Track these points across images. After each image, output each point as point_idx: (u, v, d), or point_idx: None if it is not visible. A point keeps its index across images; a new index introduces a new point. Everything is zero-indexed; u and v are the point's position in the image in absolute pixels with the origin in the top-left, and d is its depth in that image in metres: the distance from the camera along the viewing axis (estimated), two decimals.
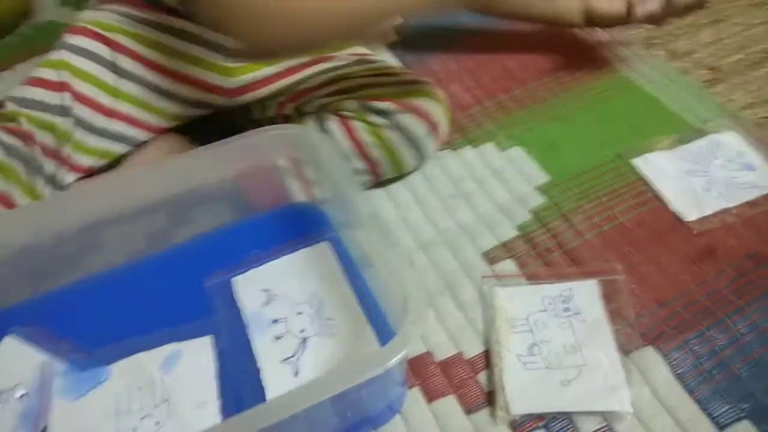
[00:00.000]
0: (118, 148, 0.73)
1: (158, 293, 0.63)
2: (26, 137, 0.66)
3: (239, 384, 0.57)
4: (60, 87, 0.69)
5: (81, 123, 0.70)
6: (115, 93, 0.72)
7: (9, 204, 0.63)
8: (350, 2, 0.58)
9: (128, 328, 0.60)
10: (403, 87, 0.73)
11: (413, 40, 0.99)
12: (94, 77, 0.71)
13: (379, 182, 0.77)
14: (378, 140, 0.72)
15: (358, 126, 0.72)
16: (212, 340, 0.60)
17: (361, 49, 0.80)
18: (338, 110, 0.73)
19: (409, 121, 0.71)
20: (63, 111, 0.68)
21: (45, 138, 0.67)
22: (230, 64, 0.74)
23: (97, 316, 0.62)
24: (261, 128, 0.67)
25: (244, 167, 0.68)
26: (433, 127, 0.73)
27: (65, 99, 0.68)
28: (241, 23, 0.57)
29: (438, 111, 0.73)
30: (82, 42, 0.71)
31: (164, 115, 0.75)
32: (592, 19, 0.87)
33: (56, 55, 0.71)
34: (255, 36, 0.58)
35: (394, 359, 0.45)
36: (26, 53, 1.05)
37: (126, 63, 0.71)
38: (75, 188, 0.69)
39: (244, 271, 0.65)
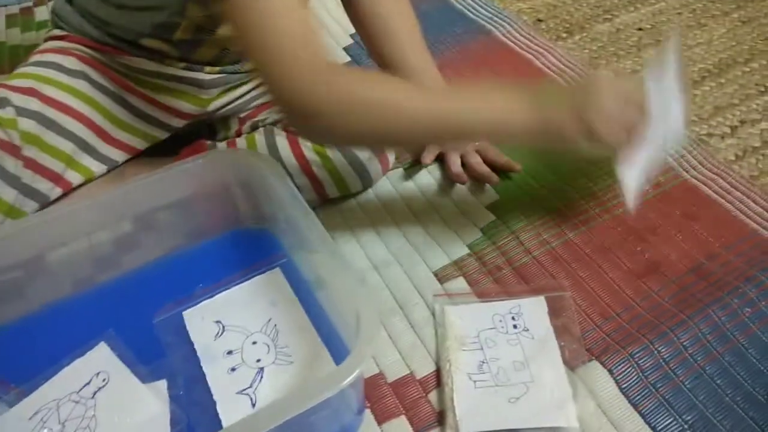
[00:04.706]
0: (86, 161, 0.72)
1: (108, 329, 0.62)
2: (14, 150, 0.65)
3: (195, 420, 0.56)
4: (30, 92, 0.67)
5: (48, 125, 0.68)
6: (88, 101, 0.71)
7: None
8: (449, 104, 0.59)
9: None
10: None
11: None
12: (65, 84, 0.70)
13: (330, 201, 0.77)
14: (322, 159, 0.73)
15: (304, 143, 0.73)
16: (165, 384, 0.58)
17: None
18: (287, 127, 0.74)
19: None
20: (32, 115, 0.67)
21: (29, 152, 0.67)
22: (204, 96, 0.76)
23: (40, 353, 0.60)
24: (205, 152, 0.68)
25: (190, 191, 0.68)
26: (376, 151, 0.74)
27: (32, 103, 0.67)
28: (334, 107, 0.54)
29: None
30: (54, 58, 0.71)
31: (137, 134, 0.75)
32: None
33: (23, 69, 0.70)
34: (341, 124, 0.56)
35: (347, 380, 0.46)
36: None
37: (98, 77, 0.72)
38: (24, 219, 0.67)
39: (195, 304, 0.64)
